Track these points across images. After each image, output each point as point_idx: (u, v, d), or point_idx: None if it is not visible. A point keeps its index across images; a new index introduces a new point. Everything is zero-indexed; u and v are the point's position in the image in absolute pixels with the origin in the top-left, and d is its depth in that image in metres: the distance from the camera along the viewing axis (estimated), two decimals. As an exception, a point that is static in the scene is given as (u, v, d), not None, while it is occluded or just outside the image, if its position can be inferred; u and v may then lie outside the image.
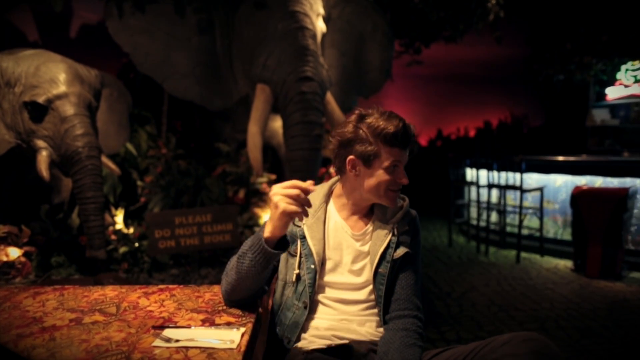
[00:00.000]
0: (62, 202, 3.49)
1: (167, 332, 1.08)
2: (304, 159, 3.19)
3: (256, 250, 1.16)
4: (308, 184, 1.13)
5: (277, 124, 4.16)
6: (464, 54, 8.69)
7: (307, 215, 1.14)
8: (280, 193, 1.11)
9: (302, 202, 1.11)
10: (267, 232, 1.15)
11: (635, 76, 6.85)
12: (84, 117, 2.77)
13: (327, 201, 1.41)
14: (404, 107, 9.68)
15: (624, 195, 3.89)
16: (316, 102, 3.29)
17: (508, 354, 1.01)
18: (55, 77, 2.73)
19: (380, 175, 1.29)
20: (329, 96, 3.68)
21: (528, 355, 0.99)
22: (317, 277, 1.31)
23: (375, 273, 1.31)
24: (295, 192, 1.11)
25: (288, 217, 1.11)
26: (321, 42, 3.74)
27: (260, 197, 4.12)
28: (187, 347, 1.01)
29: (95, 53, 4.51)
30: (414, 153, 1.35)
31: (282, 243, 1.18)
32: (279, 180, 3.41)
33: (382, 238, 1.33)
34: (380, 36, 4.32)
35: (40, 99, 2.66)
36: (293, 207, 1.09)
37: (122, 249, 3.50)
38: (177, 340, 1.03)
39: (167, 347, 1.01)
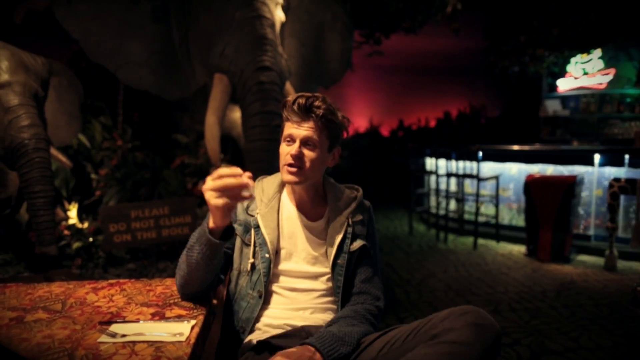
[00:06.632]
0: (9, 197, 3.32)
1: (114, 328, 1.05)
2: (263, 149, 3.15)
3: (202, 242, 1.15)
4: (232, 170, 1.06)
5: (237, 114, 4.09)
6: (425, 46, 8.82)
7: (249, 198, 1.08)
8: (208, 187, 1.06)
9: (235, 188, 1.06)
10: (210, 223, 1.13)
11: (584, 69, 7.18)
12: (30, 107, 2.63)
13: (280, 190, 1.41)
14: (365, 98, 9.74)
15: (572, 182, 4.08)
16: (275, 92, 3.25)
17: (447, 328, 1.05)
18: (-4, 64, 2.58)
19: (281, 148, 1.32)
20: (289, 86, 3.65)
21: (466, 327, 1.03)
22: (272, 266, 1.31)
23: (334, 264, 1.32)
24: (221, 183, 1.05)
25: (221, 210, 1.08)
26: (280, 31, 3.69)
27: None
28: (134, 342, 0.98)
29: (44, 40, 4.28)
30: (336, 136, 1.32)
31: (228, 232, 1.17)
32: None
33: (337, 228, 1.34)
34: (340, 26, 4.32)
35: (-19, 88, 2.51)
36: (219, 201, 1.05)
37: (76, 245, 3.38)
38: (123, 335, 1.01)
39: (114, 343, 0.98)
